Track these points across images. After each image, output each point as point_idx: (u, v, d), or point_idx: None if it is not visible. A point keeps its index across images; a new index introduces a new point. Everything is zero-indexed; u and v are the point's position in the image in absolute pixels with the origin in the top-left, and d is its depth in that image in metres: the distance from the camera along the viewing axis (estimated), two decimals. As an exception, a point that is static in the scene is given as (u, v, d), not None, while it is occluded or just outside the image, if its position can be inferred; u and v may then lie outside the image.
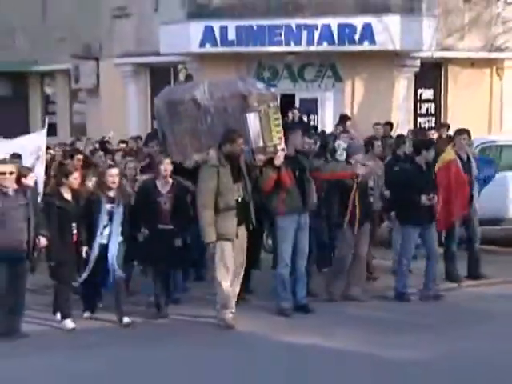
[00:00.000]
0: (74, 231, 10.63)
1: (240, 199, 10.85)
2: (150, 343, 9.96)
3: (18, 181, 10.80)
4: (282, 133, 11.77)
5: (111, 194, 10.74)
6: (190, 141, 12.18)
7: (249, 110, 11.84)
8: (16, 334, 9.96)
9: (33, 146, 14.34)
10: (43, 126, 16.51)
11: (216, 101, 12.21)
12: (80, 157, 14.56)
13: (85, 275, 10.63)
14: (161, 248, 10.78)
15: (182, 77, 23.52)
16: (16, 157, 13.23)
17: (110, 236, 10.74)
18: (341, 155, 13.58)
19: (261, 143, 11.74)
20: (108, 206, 10.71)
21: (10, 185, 10.18)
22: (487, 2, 22.69)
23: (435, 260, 12.58)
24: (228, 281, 10.81)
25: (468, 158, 13.06)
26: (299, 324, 10.84)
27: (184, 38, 21.95)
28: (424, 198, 12.05)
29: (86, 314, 10.95)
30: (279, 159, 11.17)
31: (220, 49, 21.48)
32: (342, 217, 12.00)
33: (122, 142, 18.27)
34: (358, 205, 11.96)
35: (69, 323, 10.47)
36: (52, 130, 17.16)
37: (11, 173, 10.30)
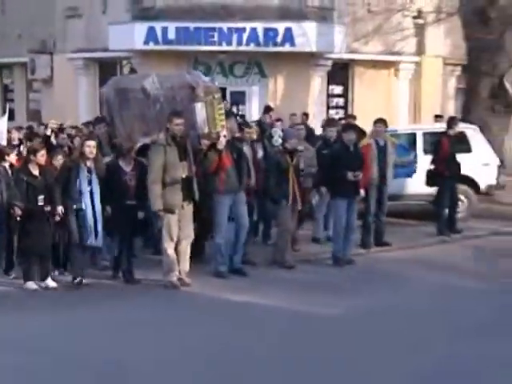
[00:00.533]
0: (41, 203, 10.68)
1: (185, 176, 11.07)
2: (103, 302, 10.18)
3: None
4: (224, 121, 12.14)
5: (88, 163, 10.89)
6: (138, 125, 12.47)
7: (196, 99, 12.11)
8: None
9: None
10: (4, 113, 17.20)
11: (165, 90, 12.54)
12: (39, 139, 14.73)
13: (91, 239, 10.76)
14: (127, 220, 11.11)
15: (126, 71, 24.29)
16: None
17: (93, 201, 10.88)
18: (277, 141, 13.92)
19: (206, 130, 12.00)
20: (87, 174, 10.86)
21: None
22: (388, 13, 23.27)
23: (352, 230, 13.17)
24: (172, 248, 11.07)
25: (385, 143, 13.71)
26: (236, 285, 11.23)
27: (129, 36, 22.36)
28: (350, 175, 12.52)
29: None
30: (222, 144, 11.46)
31: (161, 47, 21.94)
32: (282, 195, 12.41)
33: (73, 127, 18.29)
34: (295, 184, 12.41)
35: (31, 285, 10.71)
36: (10, 116, 17.10)
37: None
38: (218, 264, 11.66)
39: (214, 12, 21.96)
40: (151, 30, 22.03)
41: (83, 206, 10.78)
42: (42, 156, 10.98)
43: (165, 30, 21.96)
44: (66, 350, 8.17)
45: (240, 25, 21.81)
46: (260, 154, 13.67)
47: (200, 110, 11.99)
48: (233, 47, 21.72)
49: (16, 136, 15.52)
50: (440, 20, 24.07)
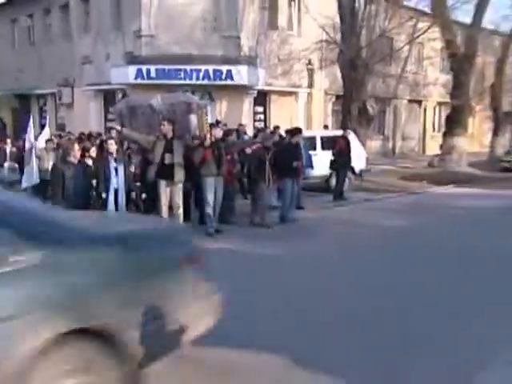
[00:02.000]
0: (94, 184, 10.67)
1: (168, 163, 11.24)
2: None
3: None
4: (209, 127, 12.47)
5: (114, 155, 10.91)
6: (145, 131, 12.38)
7: (191, 112, 12.60)
8: None
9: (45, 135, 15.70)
10: (43, 126, 17.96)
11: (168, 106, 12.82)
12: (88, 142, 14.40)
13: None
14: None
15: (120, 97, 24.65)
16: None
17: (118, 184, 10.77)
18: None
19: (197, 133, 12.42)
20: (114, 164, 10.78)
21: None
22: (291, 61, 25.15)
23: (294, 200, 13.77)
24: (165, 208, 11.36)
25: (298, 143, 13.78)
26: (218, 238, 11.41)
27: (124, 75, 23.82)
28: (295, 163, 13.24)
29: None
30: (207, 142, 11.82)
31: (146, 81, 23.22)
32: (263, 177, 12.80)
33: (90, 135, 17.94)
34: (269, 170, 12.81)
35: None
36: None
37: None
38: (208, 226, 11.90)
39: (181, 59, 23.09)
40: (139, 70, 23.44)
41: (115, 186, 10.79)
42: (93, 152, 11.23)
43: (148, 71, 23.35)
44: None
45: (197, 67, 23.21)
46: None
47: (193, 119, 12.57)
48: (193, 81, 22.88)
49: (55, 140, 16.02)
50: (323, 66, 26.13)
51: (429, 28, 25.10)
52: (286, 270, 9.24)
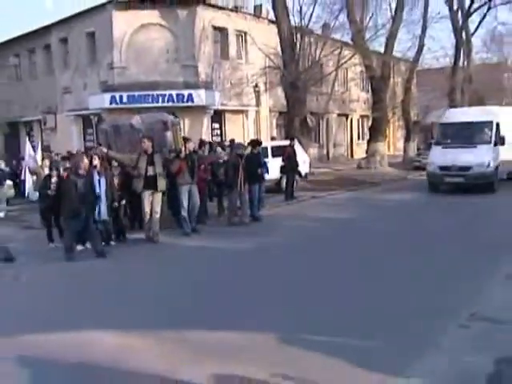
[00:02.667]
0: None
1: (150, 174, 10.83)
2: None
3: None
4: (183, 142, 12.12)
5: (98, 171, 10.27)
6: (128, 147, 11.92)
7: (167, 130, 12.26)
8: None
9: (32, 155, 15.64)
10: (33, 148, 17.27)
11: (146, 124, 12.36)
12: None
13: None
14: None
15: (96, 121, 24.72)
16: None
17: (100, 196, 10.13)
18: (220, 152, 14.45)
19: (173, 147, 12.06)
20: (97, 177, 10.18)
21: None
22: (241, 85, 25.11)
23: (261, 199, 13.50)
24: (148, 215, 10.86)
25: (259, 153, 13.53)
26: (193, 238, 11.05)
27: (100, 101, 23.70)
28: (259, 170, 13.09)
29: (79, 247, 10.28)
30: (182, 154, 11.56)
31: (119, 106, 22.96)
32: (235, 182, 12.42)
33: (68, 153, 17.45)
34: (242, 176, 12.43)
35: (79, 247, 10.22)
36: (33, 149, 17.24)
37: None
38: (184, 228, 11.47)
39: (148, 86, 22.96)
40: (113, 97, 23.35)
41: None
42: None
43: (121, 97, 23.25)
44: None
45: (163, 92, 23.10)
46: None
47: (169, 136, 12.25)
48: (159, 104, 22.40)
49: (52, 159, 15.67)
50: (267, 88, 26.10)
51: (352, 56, 25.84)
52: (255, 259, 9.15)
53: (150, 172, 10.87)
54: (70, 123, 27.07)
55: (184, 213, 11.48)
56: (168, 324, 5.88)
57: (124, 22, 23.65)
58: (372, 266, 8.17)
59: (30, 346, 5.40)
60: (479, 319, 5.61)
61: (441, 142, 17.75)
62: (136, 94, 23.30)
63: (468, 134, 16.93)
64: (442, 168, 16.55)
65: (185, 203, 11.46)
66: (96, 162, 10.36)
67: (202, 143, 14.78)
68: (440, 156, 16.87)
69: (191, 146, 12.23)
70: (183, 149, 11.74)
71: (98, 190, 10.06)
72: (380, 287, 7.03)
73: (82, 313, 6.45)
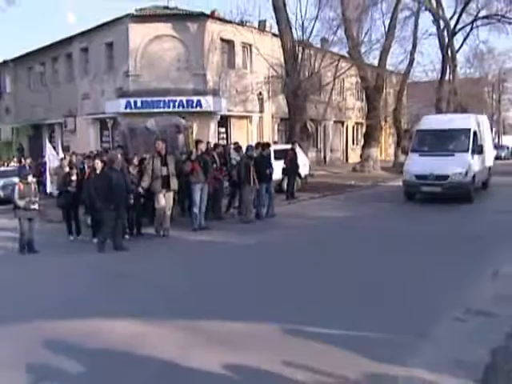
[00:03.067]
0: None
1: (164, 174, 10.51)
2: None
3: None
4: (195, 144, 11.94)
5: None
6: (142, 148, 11.88)
7: (179, 133, 12.38)
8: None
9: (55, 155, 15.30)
10: (54, 149, 16.93)
11: (160, 127, 12.35)
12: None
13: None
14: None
15: (110, 124, 24.26)
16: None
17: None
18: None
19: (184, 150, 12.15)
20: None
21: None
22: (246, 93, 24.27)
23: (270, 199, 12.95)
24: (161, 214, 10.61)
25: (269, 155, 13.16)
26: (202, 233, 10.65)
27: (116, 106, 23.25)
28: (268, 171, 12.47)
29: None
30: (194, 156, 11.23)
31: (133, 110, 22.55)
32: (248, 180, 11.97)
33: (91, 152, 17.62)
34: (253, 175, 12.00)
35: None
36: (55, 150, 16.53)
37: None
38: (192, 224, 11.18)
39: (160, 92, 22.59)
40: (128, 102, 22.97)
41: None
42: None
43: (135, 102, 22.87)
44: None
45: (173, 98, 22.69)
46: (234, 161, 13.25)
47: (181, 138, 12.33)
48: (170, 109, 21.80)
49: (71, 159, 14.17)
50: (270, 96, 25.33)
51: (349, 68, 25.70)
52: (258, 254, 8.91)
53: (164, 172, 10.59)
54: (88, 126, 26.81)
55: (196, 209, 11.20)
56: (181, 314, 5.74)
57: (139, 34, 23.39)
58: (367, 263, 7.93)
59: (51, 331, 5.35)
60: (473, 313, 5.43)
61: (417, 149, 15.71)
62: (149, 99, 22.90)
63: (445, 142, 15.14)
64: (419, 177, 14.59)
65: (197, 201, 11.19)
66: (119, 159, 10.03)
67: (215, 146, 14.13)
68: (416, 164, 14.99)
69: (203, 147, 11.80)
70: (194, 150, 11.45)
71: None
72: (376, 282, 6.80)
73: (100, 301, 6.37)
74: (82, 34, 26.19)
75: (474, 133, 15.33)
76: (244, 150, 13.24)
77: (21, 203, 9.26)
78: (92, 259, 8.83)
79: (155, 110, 21.46)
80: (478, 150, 15.19)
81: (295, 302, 6.04)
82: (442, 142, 15.16)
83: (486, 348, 4.45)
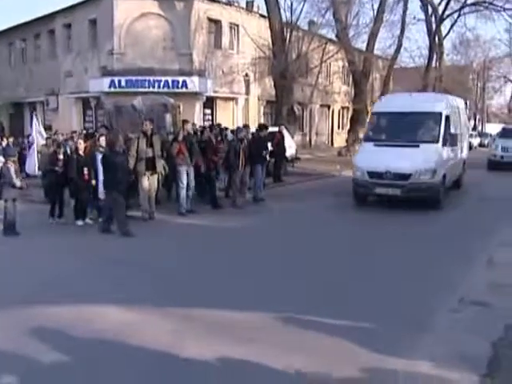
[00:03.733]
0: (86, 172, 9.57)
1: (149, 156, 10.15)
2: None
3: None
4: (182, 124, 11.55)
5: (101, 149, 9.67)
6: (128, 127, 11.41)
7: (167, 112, 12.10)
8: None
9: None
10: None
11: (147, 106, 12.04)
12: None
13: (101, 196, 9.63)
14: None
15: (94, 104, 24.38)
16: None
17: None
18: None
19: (171, 130, 11.88)
20: (99, 156, 9.49)
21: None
22: (232, 74, 24.39)
23: (261, 180, 12.63)
24: (146, 197, 10.31)
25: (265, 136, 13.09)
26: (189, 216, 10.41)
27: (100, 84, 22.74)
28: (264, 152, 12.60)
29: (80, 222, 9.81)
30: (180, 136, 10.77)
31: (117, 89, 21.90)
32: (236, 164, 11.63)
33: (73, 132, 16.65)
34: (243, 158, 11.70)
35: (80, 222, 9.76)
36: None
37: None
38: (180, 208, 10.77)
39: (145, 71, 22.11)
40: (112, 81, 22.44)
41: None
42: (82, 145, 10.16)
43: (119, 81, 22.34)
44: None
45: (159, 78, 22.19)
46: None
47: (168, 118, 12.05)
48: (155, 89, 21.38)
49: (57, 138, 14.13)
50: (256, 78, 25.15)
51: (337, 52, 25.55)
52: (247, 238, 8.65)
53: (149, 154, 10.23)
54: (71, 105, 26.24)
55: (182, 190, 10.82)
56: (171, 300, 5.55)
57: (125, 11, 22.74)
58: (357, 256, 7.65)
59: (38, 318, 5.08)
60: (469, 303, 5.34)
61: (372, 137, 12.23)
62: (134, 78, 22.35)
63: (409, 129, 11.69)
64: (372, 174, 11.16)
65: (184, 183, 10.80)
66: (103, 139, 9.86)
67: (211, 127, 14.01)
68: (369, 158, 11.52)
69: (190, 127, 11.48)
70: (181, 131, 11.05)
71: (100, 168, 9.45)
72: (369, 274, 6.61)
73: (86, 286, 6.09)
74: (65, 9, 25.58)
75: (447, 118, 12.04)
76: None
77: (18, 183, 8.97)
78: (77, 242, 8.56)
79: (140, 90, 21.00)
80: (452, 140, 11.95)
81: (290, 290, 5.87)
82: (405, 128, 11.72)
83: (486, 340, 4.36)
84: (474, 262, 6.93)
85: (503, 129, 23.96)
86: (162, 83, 22.49)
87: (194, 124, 17.46)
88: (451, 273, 6.45)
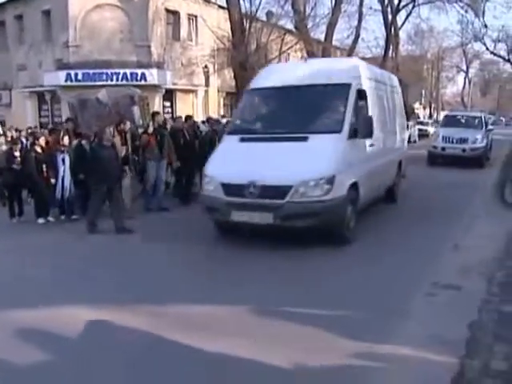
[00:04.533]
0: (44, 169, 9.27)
1: (124, 154, 9.85)
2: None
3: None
4: (151, 116, 11.15)
5: (62, 149, 9.44)
6: (94, 121, 10.97)
7: (134, 104, 11.74)
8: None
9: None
10: None
11: (113, 99, 11.64)
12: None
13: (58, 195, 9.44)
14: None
15: (49, 98, 23.89)
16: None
17: (65, 172, 9.39)
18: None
19: (140, 122, 11.57)
20: (61, 156, 9.38)
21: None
22: (191, 66, 23.89)
23: None
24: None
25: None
26: (159, 214, 9.79)
27: (56, 78, 22.51)
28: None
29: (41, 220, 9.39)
30: (150, 129, 10.35)
31: (74, 83, 21.67)
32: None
33: (29, 128, 16.58)
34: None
35: (41, 220, 9.38)
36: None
37: None
38: (148, 203, 10.34)
39: (103, 64, 21.92)
40: (68, 74, 22.23)
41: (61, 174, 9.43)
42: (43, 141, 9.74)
43: (76, 74, 22.12)
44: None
45: (117, 71, 21.97)
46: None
47: (136, 110, 11.70)
48: (113, 82, 21.07)
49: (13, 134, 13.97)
50: (216, 70, 24.72)
51: (296, 43, 25.27)
52: (219, 233, 8.01)
53: (124, 151, 10.07)
54: (25, 99, 25.84)
55: (151, 188, 10.36)
56: (144, 298, 5.36)
57: (80, 1, 22.58)
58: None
59: (4, 321, 4.87)
60: (443, 287, 5.39)
61: (239, 128, 8.17)
62: (91, 71, 22.17)
63: (295, 113, 7.61)
64: (229, 189, 6.96)
65: (152, 179, 10.29)
66: (66, 138, 9.58)
67: (187, 119, 12.94)
68: (227, 161, 7.41)
69: (160, 119, 11.03)
70: (151, 123, 10.65)
71: (61, 168, 9.33)
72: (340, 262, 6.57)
73: (51, 287, 5.87)
74: (16, 0, 24.89)
75: (360, 93, 7.90)
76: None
77: None
78: (43, 241, 8.21)
79: (97, 83, 20.45)
80: (368, 128, 7.47)
81: (264, 280, 5.74)
82: (289, 112, 7.73)
83: (462, 322, 4.41)
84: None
85: (445, 116, 20.97)
86: (120, 76, 22.29)
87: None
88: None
